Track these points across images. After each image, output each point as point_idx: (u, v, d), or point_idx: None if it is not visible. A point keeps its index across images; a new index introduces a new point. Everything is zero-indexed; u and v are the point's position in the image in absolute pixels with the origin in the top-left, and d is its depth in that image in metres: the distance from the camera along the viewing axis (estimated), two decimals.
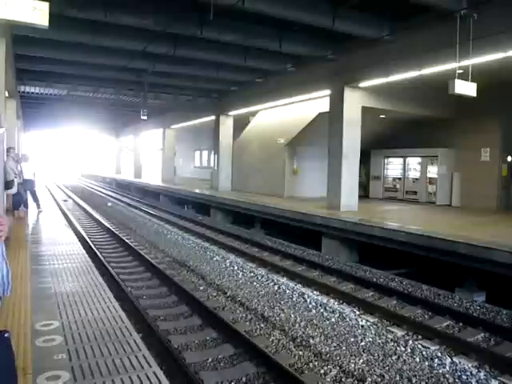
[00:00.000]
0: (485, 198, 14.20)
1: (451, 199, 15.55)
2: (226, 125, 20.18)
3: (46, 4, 4.43)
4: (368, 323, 6.06)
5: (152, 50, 11.98)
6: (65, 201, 21.37)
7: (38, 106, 24.75)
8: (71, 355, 3.17)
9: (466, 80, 8.38)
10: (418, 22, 9.49)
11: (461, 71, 8.51)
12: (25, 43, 11.13)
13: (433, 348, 5.32)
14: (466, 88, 8.35)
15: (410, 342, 5.40)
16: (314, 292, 7.56)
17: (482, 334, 5.88)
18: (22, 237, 7.91)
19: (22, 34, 9.88)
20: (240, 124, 20.33)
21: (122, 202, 22.34)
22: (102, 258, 9.08)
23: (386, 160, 17.89)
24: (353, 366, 4.74)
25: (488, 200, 14.12)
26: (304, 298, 7.04)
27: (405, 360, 4.90)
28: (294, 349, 5.17)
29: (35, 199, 12.23)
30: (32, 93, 19.62)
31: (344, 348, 5.20)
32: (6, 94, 11.60)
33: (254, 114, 19.76)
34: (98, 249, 10.16)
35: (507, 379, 4.62)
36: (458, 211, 13.83)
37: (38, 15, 4.32)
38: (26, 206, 11.39)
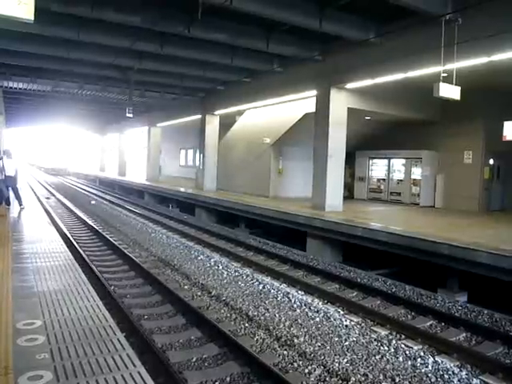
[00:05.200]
0: (467, 199, 14.45)
1: (434, 200, 15.78)
2: (212, 124, 20.12)
3: None
4: (352, 323, 6.11)
5: (139, 48, 11.90)
6: (47, 198, 21.06)
7: (22, 102, 24.34)
8: (54, 355, 3.12)
9: (451, 83, 8.49)
10: (404, 25, 9.58)
11: (445, 75, 8.63)
12: (8, 37, 10.93)
13: (416, 348, 5.38)
14: (451, 91, 8.46)
15: (394, 341, 5.46)
16: (299, 292, 7.59)
17: (464, 334, 5.97)
18: (3, 234, 7.76)
19: (5, 28, 9.70)
20: (226, 123, 20.28)
21: (105, 200, 22.10)
22: (85, 257, 8.97)
23: (370, 161, 18.06)
24: (337, 365, 4.77)
25: (470, 202, 14.38)
26: (289, 298, 7.05)
27: (388, 359, 4.95)
28: (278, 348, 5.18)
29: (17, 196, 12.01)
30: (15, 88, 19.27)
31: (328, 347, 5.23)
32: None
33: (240, 113, 19.73)
34: (81, 247, 10.04)
35: (488, 378, 4.70)
36: (441, 212, 14.02)
37: (23, 9, 4.22)
38: (8, 203, 11.21)
